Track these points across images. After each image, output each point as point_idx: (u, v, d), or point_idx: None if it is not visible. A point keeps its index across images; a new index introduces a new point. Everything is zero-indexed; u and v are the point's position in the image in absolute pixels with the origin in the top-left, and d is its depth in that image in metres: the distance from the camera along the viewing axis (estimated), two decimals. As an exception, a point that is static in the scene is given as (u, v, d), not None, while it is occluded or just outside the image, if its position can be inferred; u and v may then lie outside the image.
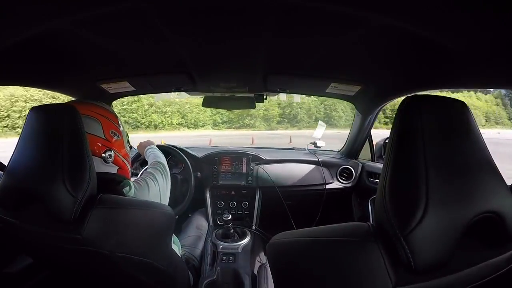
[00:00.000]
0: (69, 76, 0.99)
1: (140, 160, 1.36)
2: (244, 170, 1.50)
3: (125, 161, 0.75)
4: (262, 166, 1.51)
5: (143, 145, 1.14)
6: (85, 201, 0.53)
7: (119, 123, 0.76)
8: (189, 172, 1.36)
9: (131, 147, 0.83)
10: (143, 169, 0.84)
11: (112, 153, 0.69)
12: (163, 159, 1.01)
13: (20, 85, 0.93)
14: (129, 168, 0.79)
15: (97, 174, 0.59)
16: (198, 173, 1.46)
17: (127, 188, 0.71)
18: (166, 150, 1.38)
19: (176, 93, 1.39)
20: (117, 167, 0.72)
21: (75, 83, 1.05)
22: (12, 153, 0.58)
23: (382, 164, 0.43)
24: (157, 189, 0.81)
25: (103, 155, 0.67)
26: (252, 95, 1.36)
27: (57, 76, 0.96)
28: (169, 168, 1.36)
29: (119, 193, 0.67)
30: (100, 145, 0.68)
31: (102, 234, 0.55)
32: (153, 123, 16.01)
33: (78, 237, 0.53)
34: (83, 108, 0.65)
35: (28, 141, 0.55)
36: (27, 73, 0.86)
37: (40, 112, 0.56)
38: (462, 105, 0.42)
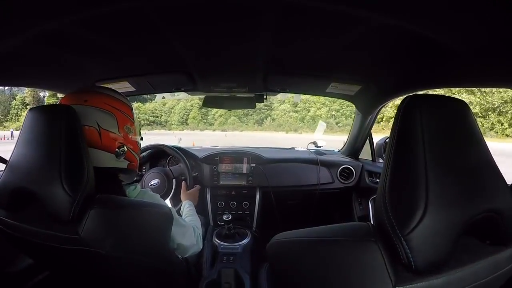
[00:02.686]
0: (69, 76, 0.99)
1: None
2: (244, 170, 1.50)
3: (136, 155, 0.75)
4: (262, 166, 1.51)
5: (186, 196, 1.17)
6: (83, 201, 0.53)
7: (133, 114, 0.73)
8: (189, 173, 1.36)
9: (142, 139, 0.81)
10: None
11: (125, 148, 0.68)
12: (199, 224, 0.98)
13: (20, 86, 0.93)
14: (138, 161, 0.78)
15: (106, 168, 0.63)
16: (196, 173, 1.46)
17: (132, 187, 0.71)
18: (166, 150, 1.37)
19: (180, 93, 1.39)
20: (128, 162, 0.71)
21: (75, 83, 1.05)
22: (11, 153, 0.58)
23: (383, 164, 0.43)
24: (178, 229, 0.75)
25: (116, 150, 0.66)
26: (252, 95, 1.36)
27: (57, 76, 0.96)
28: (168, 168, 1.37)
29: (121, 191, 0.67)
30: (115, 141, 0.66)
31: (100, 234, 0.55)
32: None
33: (76, 237, 0.53)
34: (97, 100, 0.64)
35: (27, 141, 0.55)
36: (27, 73, 0.86)
37: (38, 113, 0.56)
38: (462, 105, 0.42)
